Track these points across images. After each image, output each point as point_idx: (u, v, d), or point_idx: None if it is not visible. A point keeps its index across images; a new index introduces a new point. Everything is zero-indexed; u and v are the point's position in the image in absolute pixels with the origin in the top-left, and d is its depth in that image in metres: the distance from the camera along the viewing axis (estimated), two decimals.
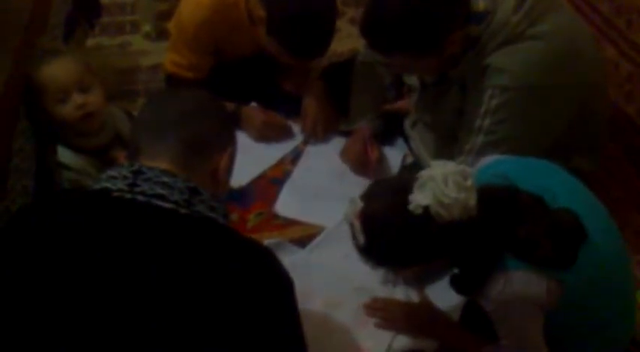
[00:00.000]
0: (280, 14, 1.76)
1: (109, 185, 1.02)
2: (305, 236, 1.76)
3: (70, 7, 2.12)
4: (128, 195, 1.00)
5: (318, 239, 1.74)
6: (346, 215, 1.25)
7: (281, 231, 1.79)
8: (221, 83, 1.99)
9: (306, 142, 2.06)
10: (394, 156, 1.98)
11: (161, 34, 2.57)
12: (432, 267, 1.51)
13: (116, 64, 2.51)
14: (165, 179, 1.02)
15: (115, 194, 1.01)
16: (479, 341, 1.40)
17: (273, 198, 1.88)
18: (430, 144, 1.76)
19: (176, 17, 1.99)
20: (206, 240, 1.00)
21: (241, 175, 1.91)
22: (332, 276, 1.62)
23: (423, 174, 1.16)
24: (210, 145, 1.13)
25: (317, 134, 2.05)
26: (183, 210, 1.01)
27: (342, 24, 2.74)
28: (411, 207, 1.15)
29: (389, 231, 1.20)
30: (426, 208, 1.14)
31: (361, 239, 1.21)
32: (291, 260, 1.64)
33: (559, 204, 1.22)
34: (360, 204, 1.21)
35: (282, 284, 1.03)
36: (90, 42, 2.41)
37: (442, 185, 1.13)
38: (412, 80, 1.87)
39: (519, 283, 1.19)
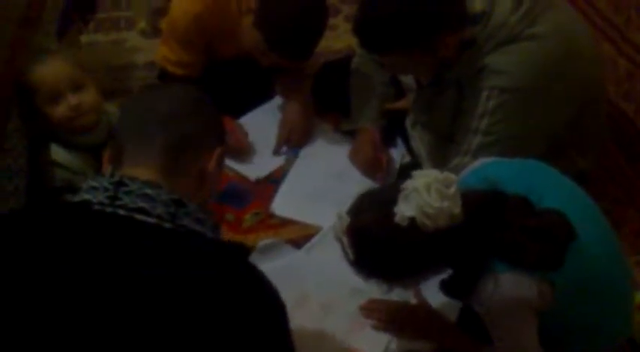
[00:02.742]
0: (272, 6, 1.74)
1: (89, 197, 0.98)
2: (301, 236, 1.75)
3: (65, 3, 2.10)
4: (109, 209, 0.96)
5: (315, 239, 1.73)
6: (335, 231, 1.24)
7: (277, 231, 1.77)
8: (213, 83, 1.97)
9: (276, 151, 2.01)
10: (395, 157, 1.97)
11: (156, 31, 2.55)
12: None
13: (110, 60, 2.50)
14: (148, 191, 0.98)
15: (96, 207, 0.96)
16: (476, 343, 1.39)
17: (269, 197, 1.86)
18: (429, 145, 1.75)
19: (169, 12, 1.97)
20: (190, 256, 0.95)
21: (261, 168, 1.94)
22: (328, 278, 1.60)
23: (407, 185, 1.16)
24: (198, 146, 1.08)
25: (290, 143, 2.02)
26: (167, 225, 0.97)
27: (338, 21, 2.73)
28: (396, 219, 1.14)
29: (377, 245, 1.19)
30: (412, 219, 1.13)
31: (351, 254, 1.21)
32: (287, 261, 1.64)
33: (546, 205, 1.21)
34: (347, 220, 1.21)
35: (272, 308, 0.98)
36: (84, 38, 2.40)
37: (425, 195, 1.12)
38: (409, 80, 1.85)
39: (508, 286, 1.18)
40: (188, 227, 0.99)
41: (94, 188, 0.99)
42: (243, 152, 1.97)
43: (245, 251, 1.09)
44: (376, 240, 1.19)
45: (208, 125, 1.12)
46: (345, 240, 1.21)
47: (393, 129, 1.99)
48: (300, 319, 1.48)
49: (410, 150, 1.89)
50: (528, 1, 1.47)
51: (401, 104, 1.94)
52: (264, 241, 1.67)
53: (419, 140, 1.79)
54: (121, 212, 0.95)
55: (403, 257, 1.19)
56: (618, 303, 1.33)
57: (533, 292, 1.18)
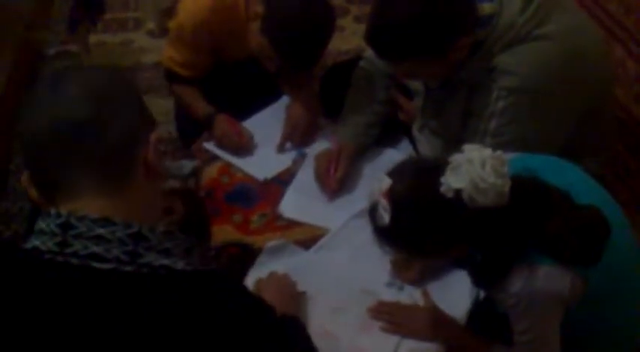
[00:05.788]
0: (279, 14, 1.73)
1: (38, 243, 0.86)
2: (309, 238, 1.74)
3: (73, 4, 2.10)
4: (60, 258, 0.85)
5: (323, 241, 1.72)
6: (372, 192, 1.20)
7: (284, 233, 1.76)
8: (221, 85, 1.97)
9: (280, 148, 2.00)
10: (399, 158, 1.95)
11: (164, 31, 2.55)
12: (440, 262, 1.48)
13: (118, 61, 2.50)
14: (101, 231, 0.86)
15: (46, 256, 0.85)
16: (487, 344, 1.38)
17: (277, 199, 1.86)
18: (437, 149, 1.74)
19: (176, 16, 1.97)
20: (158, 301, 0.84)
21: (268, 169, 1.93)
22: (337, 279, 1.60)
23: (458, 157, 1.13)
24: (130, 146, 0.92)
25: (294, 141, 2.01)
26: (127, 268, 0.85)
27: (346, 22, 2.74)
28: (442, 189, 1.12)
29: (416, 211, 1.16)
30: (458, 192, 1.11)
31: (386, 218, 1.16)
32: (295, 261, 1.63)
33: (580, 201, 1.20)
34: (388, 182, 1.17)
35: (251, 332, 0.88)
36: (92, 39, 2.40)
37: (479, 168, 1.09)
38: (416, 85, 1.84)
39: (543, 277, 1.17)
40: (153, 264, 0.87)
41: (43, 232, 0.87)
42: (245, 149, 1.97)
43: (221, 275, 0.98)
44: (416, 206, 1.16)
45: (131, 117, 0.93)
46: (382, 202, 1.17)
47: (398, 130, 1.98)
48: (308, 320, 1.48)
49: (417, 151, 1.87)
50: (536, 1, 1.46)
51: (410, 107, 1.93)
52: (271, 242, 1.67)
53: (427, 145, 1.78)
54: (74, 261, 0.84)
55: (439, 229, 1.16)
56: (638, 305, 1.32)
57: (566, 286, 1.17)
